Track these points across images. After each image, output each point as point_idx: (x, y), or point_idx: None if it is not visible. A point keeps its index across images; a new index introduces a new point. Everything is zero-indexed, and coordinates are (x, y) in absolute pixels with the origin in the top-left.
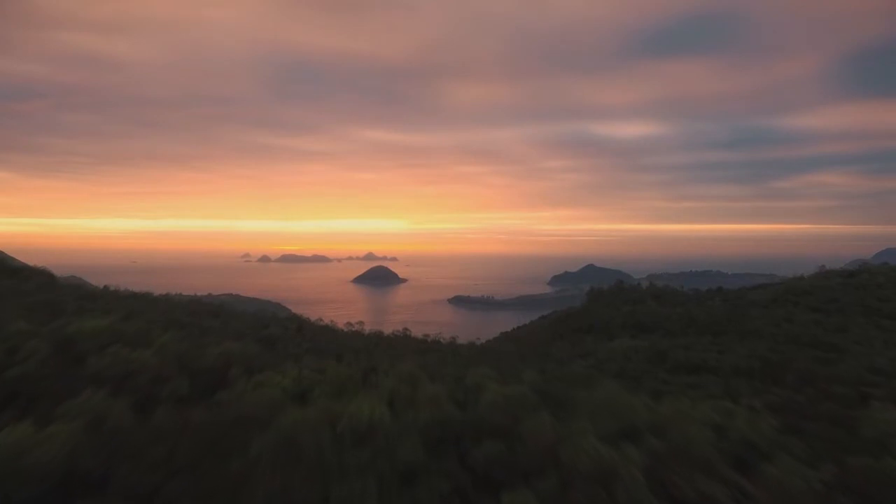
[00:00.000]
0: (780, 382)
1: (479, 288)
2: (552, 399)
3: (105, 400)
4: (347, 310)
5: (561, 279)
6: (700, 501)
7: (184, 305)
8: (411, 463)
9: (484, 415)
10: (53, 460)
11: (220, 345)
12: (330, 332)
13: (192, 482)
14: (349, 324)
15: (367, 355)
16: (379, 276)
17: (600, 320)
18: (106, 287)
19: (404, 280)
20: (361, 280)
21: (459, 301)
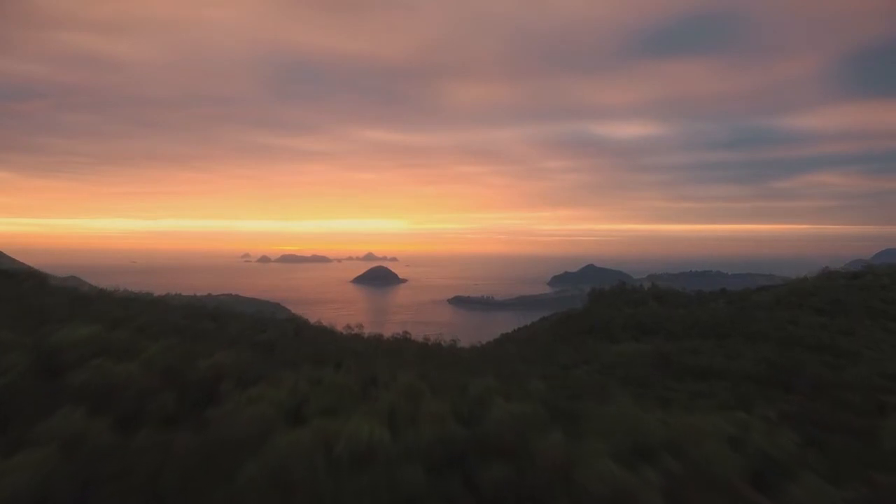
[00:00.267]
0: (791, 389)
1: (479, 288)
2: (562, 414)
3: (83, 419)
4: (347, 310)
5: (561, 279)
6: None
7: (181, 308)
8: (413, 487)
9: (490, 433)
10: (24, 489)
11: (212, 355)
12: (329, 335)
13: None
14: (348, 327)
15: (367, 361)
16: (379, 277)
17: (601, 322)
18: (102, 290)
19: (404, 280)
20: (361, 280)
21: (459, 301)
